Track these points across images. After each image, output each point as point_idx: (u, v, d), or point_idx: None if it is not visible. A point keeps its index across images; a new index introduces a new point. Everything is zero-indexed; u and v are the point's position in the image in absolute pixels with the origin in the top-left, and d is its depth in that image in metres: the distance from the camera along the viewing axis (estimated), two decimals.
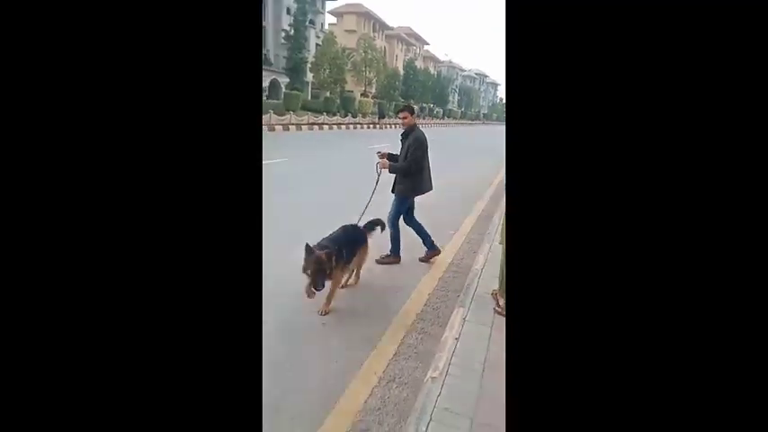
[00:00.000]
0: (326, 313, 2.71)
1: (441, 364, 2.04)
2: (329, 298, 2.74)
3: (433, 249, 3.78)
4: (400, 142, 3.59)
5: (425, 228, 3.78)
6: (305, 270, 2.57)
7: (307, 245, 2.59)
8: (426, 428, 1.62)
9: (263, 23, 29.33)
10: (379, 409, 1.88)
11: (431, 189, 3.66)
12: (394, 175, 3.56)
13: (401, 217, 3.65)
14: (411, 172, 3.46)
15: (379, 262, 3.63)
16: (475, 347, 2.23)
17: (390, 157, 3.58)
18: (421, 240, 3.76)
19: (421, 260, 3.75)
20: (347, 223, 3.10)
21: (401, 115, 3.49)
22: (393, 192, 3.60)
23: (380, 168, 3.50)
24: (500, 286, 2.74)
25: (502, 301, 2.65)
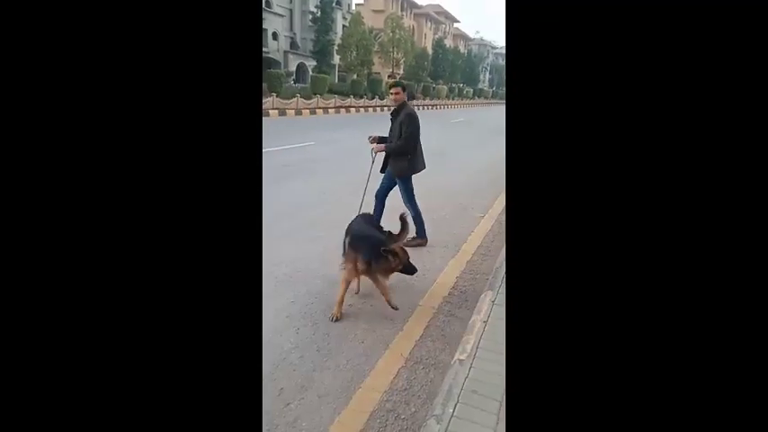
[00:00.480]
0: (338, 319, 2.43)
1: (468, 347, 2.01)
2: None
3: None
4: (390, 121, 3.47)
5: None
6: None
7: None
8: (453, 410, 1.61)
9: (290, 6, 29.26)
10: (406, 389, 1.88)
11: (424, 168, 3.55)
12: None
13: (400, 197, 3.54)
14: (408, 150, 3.35)
15: (406, 245, 3.56)
16: (503, 331, 2.19)
17: (381, 140, 3.48)
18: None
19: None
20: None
21: (393, 91, 3.38)
22: (382, 171, 3.50)
23: (375, 153, 3.42)
24: None
25: None
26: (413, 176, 3.53)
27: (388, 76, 32.52)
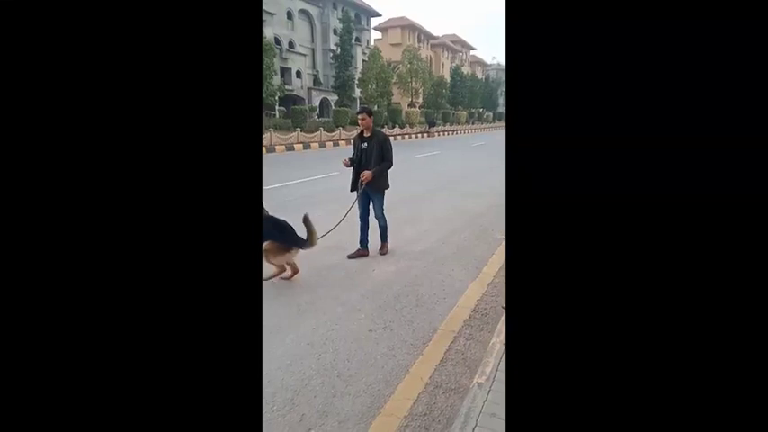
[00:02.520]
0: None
1: (488, 370, 1.99)
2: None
3: (364, 249, 3.96)
4: (353, 145, 3.88)
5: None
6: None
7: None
8: None
9: (311, 45, 30.68)
10: (426, 414, 1.87)
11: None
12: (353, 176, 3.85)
13: (360, 209, 3.90)
14: (389, 168, 3.77)
15: (381, 253, 3.95)
16: None
17: (351, 161, 3.85)
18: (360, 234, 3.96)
19: (349, 257, 3.89)
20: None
21: (360, 116, 3.74)
22: (353, 191, 3.83)
23: (363, 182, 3.70)
24: None
25: None
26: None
27: (408, 105, 33.20)
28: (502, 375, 1.94)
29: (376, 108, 28.71)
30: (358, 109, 4.19)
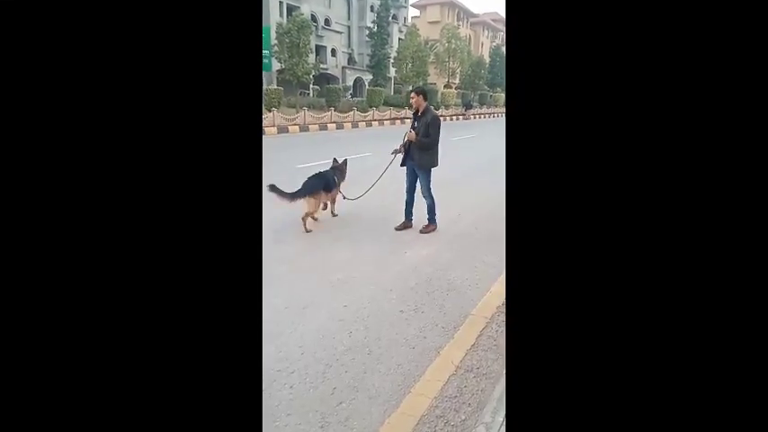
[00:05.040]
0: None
1: None
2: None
3: (408, 221, 4.20)
4: (413, 121, 4.06)
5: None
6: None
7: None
8: (503, 420, 1.58)
9: (347, 23, 30.32)
10: (456, 397, 1.87)
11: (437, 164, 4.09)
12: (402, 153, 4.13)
13: (416, 188, 4.11)
14: (434, 146, 3.92)
15: (422, 232, 4.09)
16: None
17: (402, 146, 4.11)
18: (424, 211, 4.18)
19: (396, 229, 4.17)
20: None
21: (411, 96, 4.00)
22: (403, 165, 4.11)
23: (407, 139, 3.97)
24: None
25: None
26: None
27: (444, 86, 32.46)
28: None
29: (410, 88, 28.27)
30: (411, 89, 4.61)
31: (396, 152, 4.19)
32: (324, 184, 4.14)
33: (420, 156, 3.97)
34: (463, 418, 1.74)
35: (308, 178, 4.06)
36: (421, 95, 3.92)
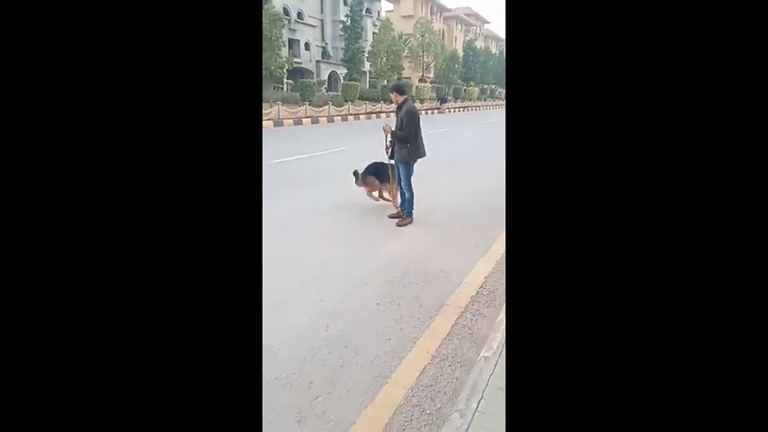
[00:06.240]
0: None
1: (495, 345, 2.00)
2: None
3: (408, 216, 4.26)
4: (395, 116, 4.23)
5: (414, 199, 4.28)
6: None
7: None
8: (477, 406, 1.61)
9: (321, 17, 29.92)
10: (431, 386, 1.90)
11: (425, 155, 4.22)
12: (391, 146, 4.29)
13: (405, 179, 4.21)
14: (407, 140, 4.02)
15: (399, 225, 4.18)
16: None
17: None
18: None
19: (391, 216, 4.37)
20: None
21: (392, 94, 4.18)
22: (390, 158, 4.34)
23: (386, 132, 4.21)
24: None
25: None
26: (412, 163, 4.21)
27: (419, 80, 32.56)
28: None
29: (386, 82, 28.21)
30: (386, 83, 4.69)
31: (387, 149, 4.36)
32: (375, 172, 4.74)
33: (398, 149, 4.11)
34: (439, 406, 1.77)
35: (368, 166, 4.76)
36: (397, 92, 4.13)
